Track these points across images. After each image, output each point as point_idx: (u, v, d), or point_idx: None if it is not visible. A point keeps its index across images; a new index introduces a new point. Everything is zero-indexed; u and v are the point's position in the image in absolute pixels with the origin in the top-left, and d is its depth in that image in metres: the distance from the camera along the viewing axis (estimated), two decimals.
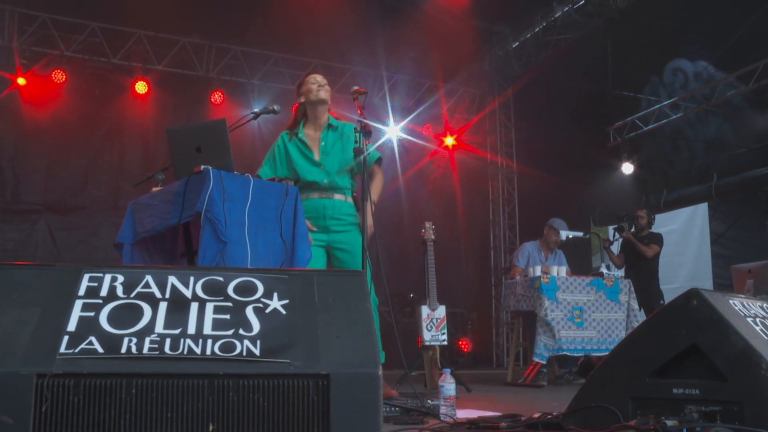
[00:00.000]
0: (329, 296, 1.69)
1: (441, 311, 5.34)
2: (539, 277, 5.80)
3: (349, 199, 4.09)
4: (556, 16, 9.18)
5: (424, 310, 5.30)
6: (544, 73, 9.68)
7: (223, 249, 2.98)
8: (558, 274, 5.90)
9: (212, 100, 9.19)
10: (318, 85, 4.06)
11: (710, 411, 2.21)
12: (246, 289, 1.70)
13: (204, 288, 1.69)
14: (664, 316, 2.42)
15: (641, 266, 6.93)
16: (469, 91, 10.90)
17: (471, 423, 2.87)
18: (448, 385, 3.19)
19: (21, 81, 8.26)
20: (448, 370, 3.29)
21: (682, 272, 8.49)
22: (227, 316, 1.62)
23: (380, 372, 1.52)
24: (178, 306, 1.63)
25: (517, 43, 10.15)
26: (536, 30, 9.66)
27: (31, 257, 8.17)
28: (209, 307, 1.63)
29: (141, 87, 8.81)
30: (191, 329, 1.57)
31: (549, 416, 2.65)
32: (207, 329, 1.58)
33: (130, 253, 3.62)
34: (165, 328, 1.57)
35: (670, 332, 2.36)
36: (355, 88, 3.92)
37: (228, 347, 1.55)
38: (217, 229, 2.97)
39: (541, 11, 9.42)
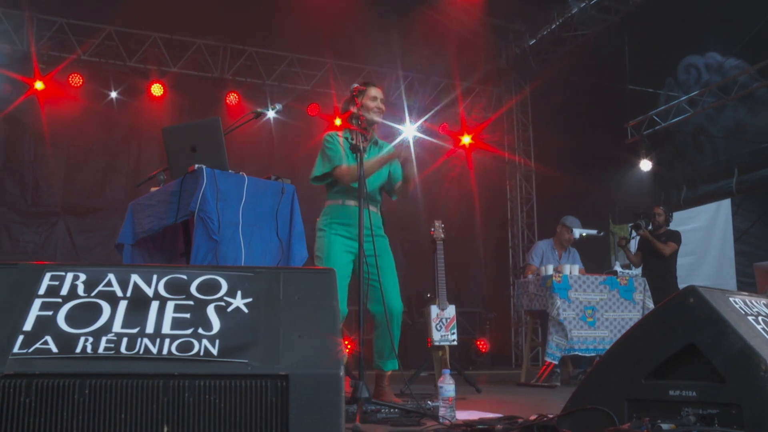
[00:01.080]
0: (295, 294, 1.64)
1: (451, 311, 5.25)
2: (551, 275, 5.70)
3: (379, 213, 4.09)
4: (573, 12, 9.05)
5: (434, 309, 5.23)
6: (562, 71, 9.56)
7: (215, 248, 2.95)
8: (570, 273, 5.79)
9: (227, 101, 9.22)
10: (377, 106, 3.99)
11: (708, 414, 2.13)
12: (209, 288, 1.66)
13: (166, 286, 1.64)
14: (660, 315, 2.34)
15: (658, 264, 6.78)
16: (486, 89, 10.81)
17: (467, 425, 2.82)
18: (447, 386, 3.15)
19: (39, 85, 8.36)
20: (447, 371, 3.24)
21: (705, 271, 8.29)
22: (187, 315, 1.57)
23: (342, 373, 1.47)
24: (139, 305, 1.59)
25: (534, 41, 10.02)
26: (553, 27, 9.53)
27: (51, 259, 8.26)
28: (170, 305, 1.59)
29: (157, 89, 8.88)
30: (149, 328, 1.53)
31: (545, 418, 2.58)
32: (166, 328, 1.53)
33: (130, 253, 3.63)
34: (123, 327, 1.53)
35: (667, 332, 2.28)
36: (355, 86, 3.88)
37: (185, 347, 1.50)
38: (208, 228, 2.94)
39: (557, 8, 9.29)
